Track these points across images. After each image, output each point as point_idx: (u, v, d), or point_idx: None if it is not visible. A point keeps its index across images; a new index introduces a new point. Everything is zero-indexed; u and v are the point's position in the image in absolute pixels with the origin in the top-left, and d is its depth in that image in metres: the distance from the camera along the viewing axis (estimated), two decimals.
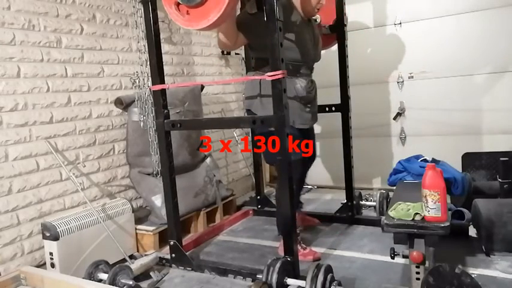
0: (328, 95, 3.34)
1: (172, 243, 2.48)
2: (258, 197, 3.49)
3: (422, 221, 1.80)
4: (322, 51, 2.83)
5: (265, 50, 2.06)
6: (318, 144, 4.25)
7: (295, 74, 2.40)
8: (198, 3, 1.86)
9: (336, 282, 1.92)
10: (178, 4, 1.94)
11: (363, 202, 3.29)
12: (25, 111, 2.37)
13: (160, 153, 2.47)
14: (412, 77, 3.77)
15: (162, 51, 2.43)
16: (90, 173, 2.74)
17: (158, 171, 2.76)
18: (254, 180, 3.52)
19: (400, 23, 3.76)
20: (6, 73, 2.29)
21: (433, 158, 2.78)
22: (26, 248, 2.35)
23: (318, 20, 2.87)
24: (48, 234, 2.30)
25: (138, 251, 2.76)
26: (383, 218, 1.92)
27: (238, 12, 2.36)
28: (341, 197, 3.31)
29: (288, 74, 2.11)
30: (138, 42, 2.74)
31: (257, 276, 2.08)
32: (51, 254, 2.31)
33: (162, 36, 2.47)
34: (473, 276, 1.67)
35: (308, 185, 4.31)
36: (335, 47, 3.02)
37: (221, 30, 2.28)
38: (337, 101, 3.01)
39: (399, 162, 2.77)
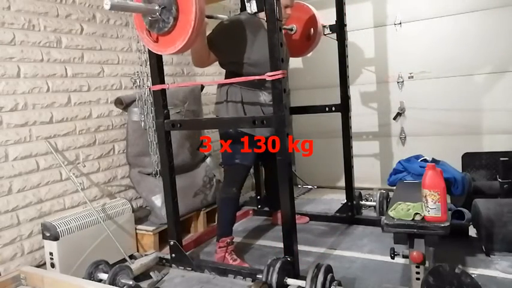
0: (328, 95, 3.35)
1: (172, 243, 2.48)
2: (258, 197, 3.50)
3: (422, 221, 1.80)
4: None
5: (234, 66, 2.40)
6: (318, 144, 4.27)
7: (259, 88, 2.47)
8: (165, 32, 1.97)
9: (336, 282, 1.92)
10: (149, 30, 2.03)
11: (363, 202, 3.29)
12: (25, 111, 2.37)
13: (160, 153, 2.47)
14: (412, 77, 3.77)
15: None
16: (90, 173, 2.74)
17: (158, 171, 2.76)
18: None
19: (400, 23, 3.76)
20: (6, 73, 2.29)
21: (433, 158, 2.78)
22: (26, 248, 2.35)
23: (294, 29, 2.93)
24: (48, 234, 2.30)
25: (138, 251, 2.76)
26: (383, 218, 1.92)
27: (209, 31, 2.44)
28: (341, 197, 3.31)
29: (252, 87, 2.41)
30: (138, 42, 2.74)
31: (257, 276, 2.08)
32: (51, 254, 2.31)
33: None
34: (473, 276, 1.67)
35: (308, 185, 4.32)
36: (335, 47, 3.02)
37: (193, 51, 2.38)
38: (337, 101, 3.01)
39: (399, 162, 2.77)
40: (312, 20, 3.08)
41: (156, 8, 1.93)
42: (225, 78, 2.55)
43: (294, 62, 4.15)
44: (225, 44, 2.38)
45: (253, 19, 2.39)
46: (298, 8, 3.08)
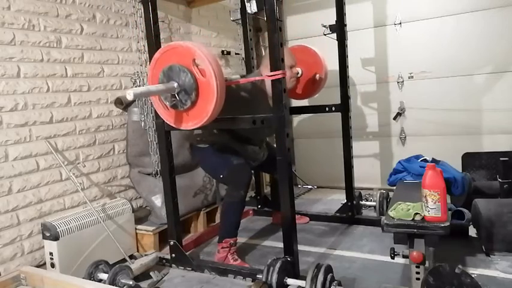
0: (328, 95, 3.35)
1: (172, 243, 2.48)
2: (258, 197, 3.50)
3: (422, 221, 1.80)
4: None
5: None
6: (318, 144, 4.27)
7: (248, 142, 2.64)
8: (186, 109, 1.99)
9: (336, 282, 1.92)
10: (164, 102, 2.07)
11: (363, 202, 3.29)
12: (25, 111, 2.37)
13: (160, 153, 2.47)
14: (412, 77, 3.77)
15: None
16: (90, 173, 2.74)
17: (158, 171, 2.76)
18: (254, 180, 3.52)
19: (400, 23, 3.76)
20: (6, 73, 2.29)
21: (433, 158, 2.78)
22: (26, 248, 2.35)
23: (300, 73, 2.94)
24: (48, 234, 2.30)
25: (138, 251, 2.76)
26: (383, 218, 1.92)
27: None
28: (341, 197, 3.31)
29: (240, 141, 2.57)
30: (138, 42, 2.75)
31: (257, 276, 2.08)
32: (51, 254, 2.31)
33: (162, 36, 2.46)
34: (473, 276, 1.67)
35: (308, 185, 4.32)
36: (335, 47, 3.02)
37: None
38: (337, 101, 3.01)
39: (399, 162, 2.77)
40: (318, 62, 3.09)
41: (176, 87, 1.94)
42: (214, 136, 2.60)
43: None
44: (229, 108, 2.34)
45: (257, 85, 2.49)
46: (304, 51, 3.09)
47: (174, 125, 2.12)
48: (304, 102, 4.05)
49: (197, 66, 1.91)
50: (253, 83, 2.51)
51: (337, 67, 3.01)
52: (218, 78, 1.89)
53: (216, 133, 2.61)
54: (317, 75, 3.08)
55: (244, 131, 2.54)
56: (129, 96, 1.79)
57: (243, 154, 2.59)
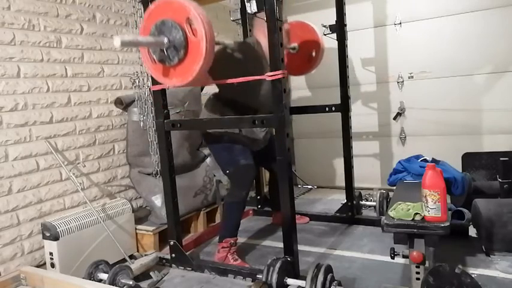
0: (328, 95, 3.35)
1: (172, 243, 2.48)
2: (258, 197, 3.50)
3: (422, 221, 1.80)
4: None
5: (230, 91, 2.42)
6: (318, 144, 4.28)
7: (247, 110, 2.52)
8: (173, 65, 1.97)
9: (336, 282, 1.92)
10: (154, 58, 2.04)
11: (363, 202, 3.29)
12: (25, 111, 2.37)
13: (160, 153, 2.47)
14: (412, 77, 3.77)
15: None
16: (90, 173, 2.74)
17: (158, 171, 2.76)
18: (254, 180, 3.51)
19: (400, 23, 3.76)
20: (6, 73, 2.29)
21: (433, 158, 2.78)
22: (26, 248, 2.35)
23: (297, 48, 2.93)
24: (48, 234, 2.30)
25: (138, 251, 2.76)
26: (383, 218, 1.92)
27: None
28: (341, 197, 3.31)
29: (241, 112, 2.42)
30: None
31: (257, 276, 2.08)
32: (51, 254, 2.31)
33: None
34: (473, 276, 1.67)
35: (308, 185, 4.32)
36: (335, 47, 3.02)
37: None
38: (337, 101, 3.01)
39: (399, 162, 2.77)
40: (315, 39, 3.08)
41: (165, 42, 1.91)
42: (219, 107, 2.56)
43: None
44: (223, 71, 2.34)
45: (251, 46, 2.44)
46: (301, 26, 3.08)
47: (159, 80, 2.10)
48: (304, 102, 4.05)
49: (190, 25, 1.89)
50: (248, 44, 2.47)
51: (337, 67, 3.01)
52: (209, 41, 1.87)
53: (213, 107, 2.58)
54: (313, 52, 3.07)
55: (239, 97, 2.47)
56: (116, 43, 1.74)
57: (248, 137, 2.54)
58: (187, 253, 2.51)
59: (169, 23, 1.91)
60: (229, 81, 2.15)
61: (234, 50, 2.44)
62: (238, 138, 2.52)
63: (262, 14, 2.09)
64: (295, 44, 3.05)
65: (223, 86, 2.53)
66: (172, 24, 1.91)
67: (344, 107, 3.01)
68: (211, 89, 3.77)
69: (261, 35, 2.43)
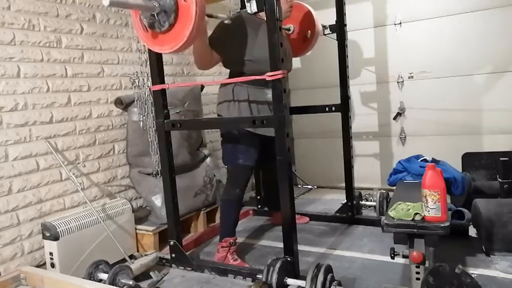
0: (328, 95, 3.35)
1: (172, 243, 2.48)
2: (258, 197, 3.50)
3: (422, 221, 1.80)
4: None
5: (238, 65, 2.38)
6: (318, 144, 4.27)
7: (266, 85, 2.36)
8: (163, 31, 1.96)
9: (336, 282, 1.92)
10: (145, 26, 2.02)
11: (363, 202, 3.29)
12: (25, 111, 2.37)
13: (160, 153, 2.47)
14: (412, 77, 3.77)
15: None
16: (90, 173, 2.74)
17: (158, 171, 2.76)
18: (254, 180, 3.52)
19: (400, 23, 3.76)
20: (6, 73, 2.29)
21: (433, 158, 2.78)
22: (26, 248, 2.35)
23: (292, 29, 2.92)
24: (48, 234, 2.30)
25: (138, 251, 2.76)
26: (383, 218, 1.92)
27: (210, 31, 2.43)
28: (341, 197, 3.31)
29: (259, 85, 2.35)
30: (138, 42, 2.74)
31: (257, 276, 2.08)
32: (51, 254, 2.31)
33: None
34: (473, 276, 1.67)
35: (308, 185, 4.32)
36: (335, 46, 3.02)
37: (195, 53, 2.37)
38: (337, 101, 3.01)
39: (399, 162, 2.77)
40: (310, 20, 3.07)
41: (156, 5, 1.91)
42: (230, 78, 2.53)
43: (294, 62, 4.14)
44: (227, 42, 2.38)
45: (254, 17, 2.38)
46: (296, 7, 3.06)
47: (150, 47, 2.10)
48: (304, 102, 4.05)
49: None
50: (253, 19, 2.40)
51: (337, 67, 3.01)
52: (199, 5, 1.87)
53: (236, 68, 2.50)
54: (308, 32, 3.05)
55: (260, 65, 2.32)
56: (105, 2, 1.72)
57: (260, 108, 2.44)
58: (187, 253, 2.51)
59: None
60: (235, 80, 2.12)
61: (227, 23, 2.43)
62: (245, 134, 2.45)
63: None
64: (290, 25, 3.02)
65: (227, 61, 2.50)
66: None
67: (344, 107, 3.01)
68: (212, 89, 3.77)
69: None
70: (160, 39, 2.01)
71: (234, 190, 2.50)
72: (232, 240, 2.50)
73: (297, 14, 3.04)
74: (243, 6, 2.56)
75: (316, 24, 3.08)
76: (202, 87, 3.37)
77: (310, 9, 3.08)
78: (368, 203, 3.29)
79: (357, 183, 3.14)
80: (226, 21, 2.43)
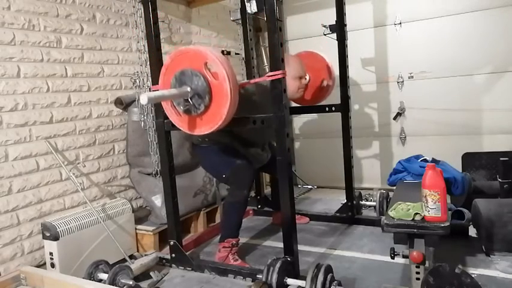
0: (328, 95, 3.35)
1: (172, 243, 2.48)
2: (258, 197, 3.50)
3: (422, 221, 1.80)
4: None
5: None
6: (318, 144, 4.27)
7: (251, 145, 2.63)
8: (200, 114, 1.97)
9: (336, 282, 1.92)
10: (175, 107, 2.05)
11: (363, 202, 3.29)
12: (25, 111, 2.37)
13: (160, 153, 2.47)
14: (412, 77, 3.77)
15: (162, 51, 2.43)
16: (90, 173, 2.74)
17: (158, 171, 2.76)
18: (254, 180, 3.51)
19: (400, 23, 3.76)
20: (6, 73, 2.29)
21: (433, 158, 2.78)
22: (26, 248, 2.35)
23: (308, 79, 2.92)
24: (48, 234, 2.30)
25: (138, 251, 2.76)
26: (383, 218, 1.92)
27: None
28: (341, 197, 3.31)
29: (244, 143, 2.55)
30: (138, 42, 2.74)
31: (257, 276, 2.08)
32: (51, 254, 2.31)
33: (162, 36, 2.46)
34: (473, 276, 1.67)
35: (308, 185, 4.32)
36: (335, 47, 3.02)
37: None
38: (337, 101, 3.01)
39: (399, 162, 2.77)
40: (325, 70, 3.07)
41: (189, 91, 1.92)
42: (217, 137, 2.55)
43: None
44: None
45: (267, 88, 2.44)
46: (311, 57, 3.08)
47: (188, 131, 2.10)
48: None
49: (209, 70, 1.90)
50: (261, 85, 2.47)
51: (337, 67, 3.00)
52: (231, 81, 1.87)
53: (220, 134, 2.60)
54: (324, 82, 3.05)
55: (248, 134, 2.53)
56: (143, 101, 1.76)
57: (245, 156, 2.58)
58: (187, 253, 2.51)
59: (189, 72, 1.93)
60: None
61: (250, 91, 2.45)
62: (231, 148, 2.53)
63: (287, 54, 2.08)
64: (306, 75, 2.95)
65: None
66: (191, 72, 1.92)
67: (344, 107, 3.01)
68: None
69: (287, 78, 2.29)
70: (196, 122, 2.02)
71: (241, 192, 2.47)
72: (234, 241, 2.49)
73: (312, 63, 3.04)
74: (243, 6, 2.56)
75: (332, 72, 3.08)
76: None
77: (325, 57, 3.08)
78: (368, 203, 3.29)
79: (357, 183, 3.14)
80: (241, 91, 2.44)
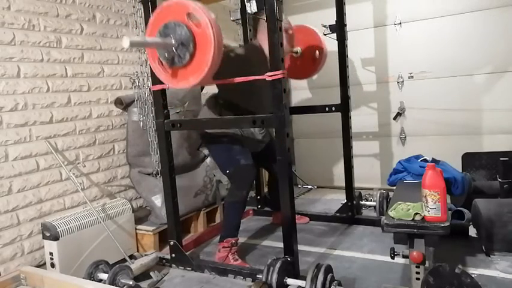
0: (328, 95, 3.35)
1: (172, 243, 2.48)
2: (258, 197, 3.50)
3: (422, 221, 1.80)
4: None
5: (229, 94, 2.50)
6: (318, 144, 4.27)
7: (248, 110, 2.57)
8: (179, 67, 1.96)
9: (336, 282, 1.92)
10: (161, 61, 2.02)
11: (363, 202, 3.29)
12: (25, 111, 2.37)
13: (160, 153, 2.47)
14: (412, 77, 3.77)
15: None
16: (90, 173, 2.74)
17: (158, 171, 2.76)
18: (254, 180, 3.51)
19: (400, 23, 3.76)
20: (6, 73, 2.29)
21: (433, 158, 2.78)
22: (26, 248, 2.35)
23: (299, 52, 2.94)
24: (48, 234, 2.30)
25: (138, 251, 2.76)
26: (383, 218, 1.92)
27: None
28: (341, 197, 3.31)
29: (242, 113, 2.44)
30: None
31: (257, 276, 2.08)
32: (51, 254, 2.31)
33: None
34: (473, 276, 1.67)
35: (308, 185, 4.32)
36: (335, 47, 3.02)
37: None
38: (337, 101, 3.01)
39: (399, 162, 2.77)
40: (317, 42, 3.10)
41: (173, 42, 1.92)
42: (218, 107, 2.57)
43: None
44: (227, 72, 2.29)
45: (256, 48, 2.47)
46: (302, 30, 3.09)
47: (175, 85, 2.08)
48: (304, 102, 4.05)
49: (192, 20, 1.90)
50: (253, 46, 2.49)
51: (337, 67, 3.00)
52: (214, 27, 1.87)
53: (222, 104, 2.59)
54: (316, 53, 3.09)
55: (243, 98, 2.50)
56: (125, 43, 1.74)
57: (248, 138, 2.56)
58: (187, 253, 2.51)
59: (172, 24, 1.93)
60: (236, 79, 2.13)
61: (239, 52, 2.44)
62: (237, 139, 2.53)
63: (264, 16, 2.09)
64: (297, 48, 3.07)
65: (222, 87, 2.54)
66: (174, 23, 1.92)
67: (344, 107, 3.01)
68: (212, 89, 3.77)
69: (264, 39, 2.42)
70: (183, 74, 2.01)
71: (241, 192, 2.49)
72: (234, 241, 2.50)
73: (303, 37, 3.07)
74: (243, 6, 2.56)
75: (323, 44, 3.11)
76: (202, 87, 3.36)
77: (314, 30, 3.10)
78: (368, 203, 3.29)
79: (357, 183, 3.14)
80: (231, 54, 2.43)
